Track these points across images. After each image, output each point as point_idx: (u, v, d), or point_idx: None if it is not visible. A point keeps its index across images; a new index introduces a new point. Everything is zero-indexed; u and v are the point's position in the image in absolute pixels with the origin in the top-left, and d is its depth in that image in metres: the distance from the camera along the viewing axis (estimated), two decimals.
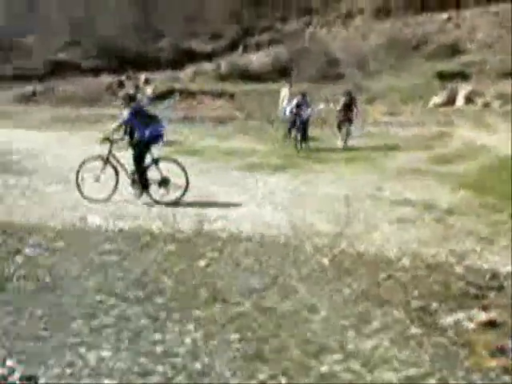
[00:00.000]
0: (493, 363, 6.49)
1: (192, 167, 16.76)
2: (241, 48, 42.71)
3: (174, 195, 13.63)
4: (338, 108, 24.38)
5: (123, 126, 13.87)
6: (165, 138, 14.91)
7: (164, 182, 13.81)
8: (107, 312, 7.49)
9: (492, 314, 7.78)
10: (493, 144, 22.39)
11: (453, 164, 19.01)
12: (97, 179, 13.67)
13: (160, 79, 39.90)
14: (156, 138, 14.01)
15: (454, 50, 37.89)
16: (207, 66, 41.66)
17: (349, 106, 23.88)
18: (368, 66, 38.33)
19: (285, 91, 26.67)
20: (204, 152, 21.29)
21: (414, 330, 7.23)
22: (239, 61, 41.31)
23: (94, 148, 15.22)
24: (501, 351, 6.77)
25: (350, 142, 23.14)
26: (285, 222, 11.95)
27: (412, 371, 6.21)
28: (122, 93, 26.28)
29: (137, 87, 26.56)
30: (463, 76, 35.55)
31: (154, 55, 41.53)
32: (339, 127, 23.78)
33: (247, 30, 43.31)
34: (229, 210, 12.92)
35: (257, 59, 41.19)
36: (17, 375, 5.71)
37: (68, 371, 5.93)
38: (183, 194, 13.61)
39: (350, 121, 23.66)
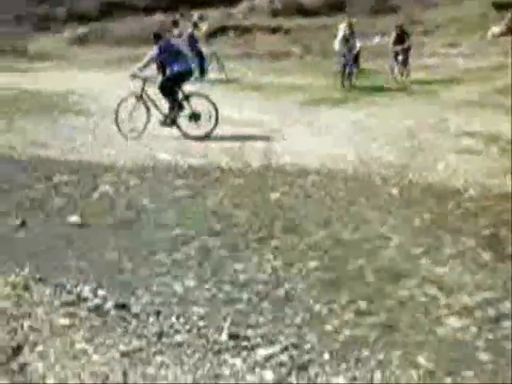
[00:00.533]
0: None
1: (254, 103, 17.05)
2: None
3: (203, 130, 13.93)
4: (391, 42, 23.91)
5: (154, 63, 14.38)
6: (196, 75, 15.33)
7: (194, 117, 14.11)
8: (187, 244, 7.83)
9: None
10: None
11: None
12: (130, 116, 14.04)
13: (213, 16, 39.77)
14: (186, 74, 14.41)
15: None
16: (261, 1, 41.35)
17: (401, 40, 23.58)
18: None
19: (343, 26, 26.32)
20: (265, 88, 21.40)
21: (485, 257, 7.44)
22: None
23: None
24: None
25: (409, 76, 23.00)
26: (351, 155, 12.14)
27: (486, 294, 6.44)
28: (176, 31, 26.46)
29: (195, 25, 26.53)
30: None
31: None
32: (396, 58, 23.36)
33: None
34: (294, 145, 13.12)
35: None
36: (110, 303, 6.02)
37: (157, 300, 6.26)
38: (213, 129, 13.91)
39: (404, 52, 23.22)
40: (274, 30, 37.82)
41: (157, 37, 14.59)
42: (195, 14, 39.61)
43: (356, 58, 23.34)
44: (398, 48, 23.25)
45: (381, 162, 11.60)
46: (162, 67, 15.37)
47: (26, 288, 6.12)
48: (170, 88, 14.02)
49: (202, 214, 9.01)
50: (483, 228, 8.43)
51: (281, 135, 14.05)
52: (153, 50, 14.25)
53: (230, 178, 10.78)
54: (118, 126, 13.96)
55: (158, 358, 4.91)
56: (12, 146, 13.07)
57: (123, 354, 4.93)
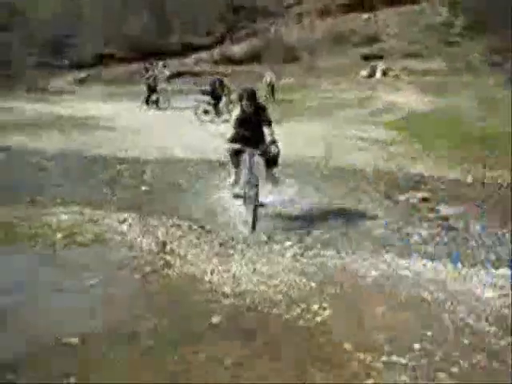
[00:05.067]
0: (431, 214, 8.81)
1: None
2: (227, 41, 43.91)
3: None
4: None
5: None
6: None
7: None
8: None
9: (425, 194, 10.06)
10: (404, 103, 24.37)
11: (382, 115, 21.01)
12: None
13: (172, 64, 41.15)
14: None
15: (373, 39, 39.23)
16: (204, 54, 42.89)
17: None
18: (315, 51, 39.77)
19: (268, 73, 28.03)
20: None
21: (386, 203, 9.47)
22: (226, 50, 42.60)
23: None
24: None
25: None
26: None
27: (391, 218, 8.49)
28: (147, 74, 27.96)
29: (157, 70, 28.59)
30: (380, 57, 37.29)
31: (167, 48, 42.61)
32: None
33: (231, 29, 44.54)
34: None
35: (239, 48, 42.52)
36: (197, 225, 7.65)
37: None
38: None
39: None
40: (215, 74, 39.40)
41: None
42: (160, 63, 40.97)
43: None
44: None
45: (311, 155, 13.44)
46: None
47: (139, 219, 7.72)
48: None
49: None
50: (381, 188, 10.47)
51: None
52: None
53: None
54: None
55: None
56: (79, 148, 14.35)
57: (216, 254, 6.69)
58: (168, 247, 6.52)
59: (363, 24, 40.86)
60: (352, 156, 13.38)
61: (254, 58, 40.90)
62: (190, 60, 42.38)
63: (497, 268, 6.11)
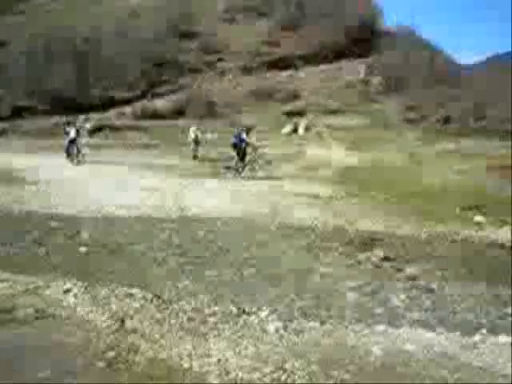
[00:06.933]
0: (400, 275, 8.15)
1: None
2: (149, 96, 42.97)
3: None
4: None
5: None
6: None
7: None
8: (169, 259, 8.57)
9: (385, 252, 9.42)
10: (332, 158, 24.15)
11: (314, 171, 20.58)
12: None
13: (94, 118, 39.90)
14: None
15: (295, 95, 39.54)
16: (127, 108, 41.78)
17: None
18: (238, 108, 39.55)
19: (192, 129, 26.98)
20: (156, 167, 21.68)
21: (348, 262, 8.77)
22: (149, 105, 41.66)
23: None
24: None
25: None
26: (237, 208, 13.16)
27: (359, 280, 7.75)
28: (68, 128, 26.76)
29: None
30: (302, 113, 37.43)
31: (88, 101, 41.34)
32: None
33: (153, 83, 43.76)
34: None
35: (161, 103, 41.71)
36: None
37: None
38: None
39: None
40: (137, 129, 38.43)
41: None
42: (82, 116, 39.61)
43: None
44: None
45: (257, 213, 12.62)
46: None
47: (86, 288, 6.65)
48: None
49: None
50: (337, 246, 9.76)
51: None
52: None
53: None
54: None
55: None
56: (2, 204, 12.82)
57: (187, 332, 5.72)
58: (128, 324, 5.46)
59: (284, 81, 41.10)
60: (298, 213, 12.67)
61: (177, 112, 40.20)
62: (111, 114, 41.14)
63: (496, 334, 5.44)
